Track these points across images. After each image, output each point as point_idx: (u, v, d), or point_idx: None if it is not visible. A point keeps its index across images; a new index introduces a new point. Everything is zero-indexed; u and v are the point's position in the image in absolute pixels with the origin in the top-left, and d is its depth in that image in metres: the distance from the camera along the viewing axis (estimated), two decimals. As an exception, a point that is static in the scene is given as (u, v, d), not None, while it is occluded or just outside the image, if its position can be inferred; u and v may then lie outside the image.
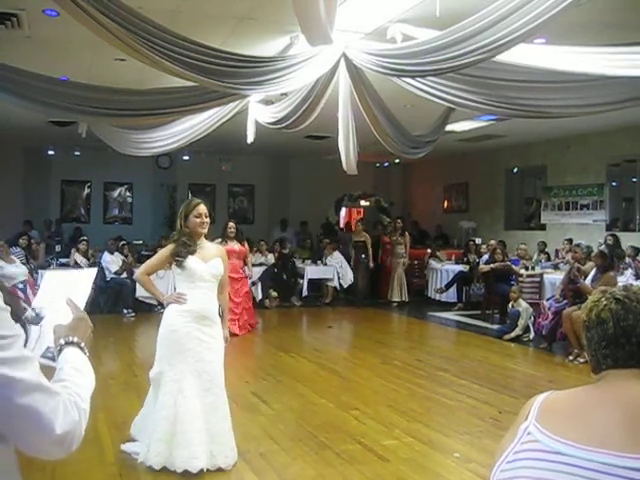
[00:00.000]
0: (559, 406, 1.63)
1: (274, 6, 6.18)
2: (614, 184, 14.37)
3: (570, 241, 13.32)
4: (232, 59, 5.56)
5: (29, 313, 2.05)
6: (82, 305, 1.95)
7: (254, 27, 6.84)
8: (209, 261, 4.99)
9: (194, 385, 4.81)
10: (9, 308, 1.43)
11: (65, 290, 2.01)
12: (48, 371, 1.59)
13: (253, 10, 6.36)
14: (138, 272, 5.25)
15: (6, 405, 1.32)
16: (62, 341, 1.76)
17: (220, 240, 9.98)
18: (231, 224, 10.84)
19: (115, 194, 18.35)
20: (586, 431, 1.51)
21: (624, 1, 5.96)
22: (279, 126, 8.03)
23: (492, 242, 13.59)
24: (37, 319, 2.00)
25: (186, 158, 17.56)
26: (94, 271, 2.15)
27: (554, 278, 10.88)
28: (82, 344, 1.78)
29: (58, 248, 14.64)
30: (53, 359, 1.76)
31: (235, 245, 10.81)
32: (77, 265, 12.92)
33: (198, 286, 4.94)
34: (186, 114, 7.51)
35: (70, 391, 1.50)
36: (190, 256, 4.91)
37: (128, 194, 18.40)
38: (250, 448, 5.33)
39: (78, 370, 1.66)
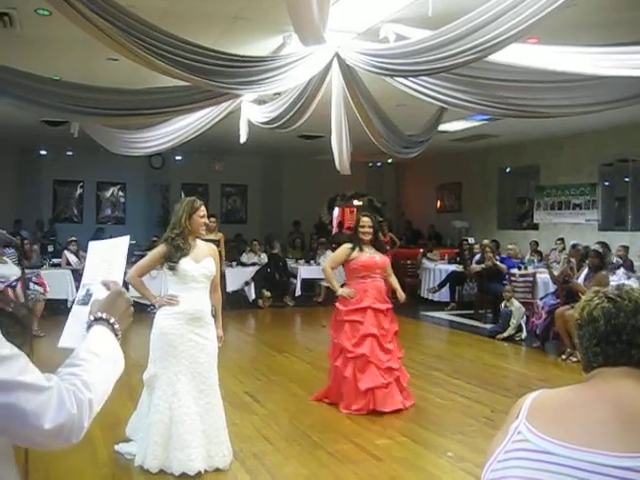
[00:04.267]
0: (549, 405, 1.63)
1: (267, 6, 6.17)
2: (606, 184, 14.42)
3: (562, 240, 13.37)
4: (225, 59, 5.55)
5: (80, 292, 1.94)
6: (120, 277, 1.85)
7: (247, 27, 6.83)
8: (201, 261, 4.97)
9: (188, 387, 4.80)
10: None
11: (106, 261, 1.91)
12: None
13: (246, 9, 6.36)
14: (129, 274, 5.13)
15: None
16: (92, 317, 1.66)
17: (351, 247, 6.69)
18: (365, 220, 6.75)
19: (108, 194, 18.33)
20: (575, 430, 1.51)
21: (615, 0, 5.98)
22: (272, 126, 8.02)
23: (485, 241, 13.62)
24: (87, 297, 1.88)
25: (179, 158, 17.55)
26: (127, 239, 2.04)
27: (547, 277, 10.91)
28: (114, 322, 1.67)
29: (51, 248, 14.58)
30: None
31: (376, 255, 6.72)
32: (69, 265, 12.89)
33: (190, 287, 4.92)
34: (179, 114, 7.50)
35: (72, 380, 1.44)
36: (182, 258, 4.90)
37: (121, 194, 18.39)
38: (243, 448, 5.32)
39: (96, 354, 1.57)
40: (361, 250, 6.62)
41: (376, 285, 6.67)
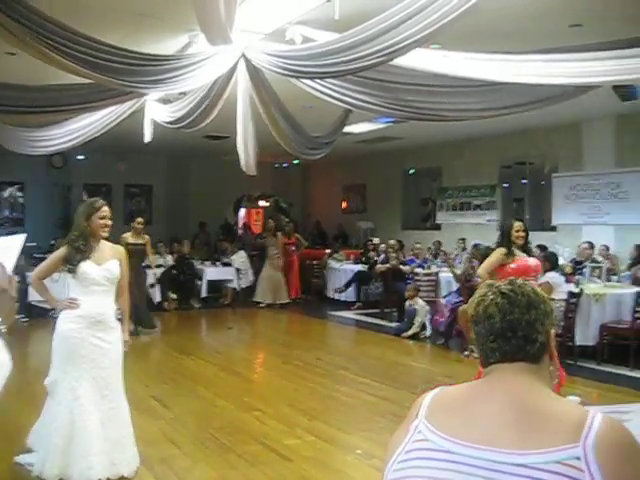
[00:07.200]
0: (447, 402, 1.65)
1: (173, 4, 6.09)
2: (505, 185, 14.94)
3: (464, 240, 13.76)
4: (130, 57, 5.44)
5: None
6: (9, 271, 1.77)
7: (153, 25, 6.71)
8: (103, 264, 4.85)
9: (90, 392, 4.68)
10: None
11: None
12: None
13: (152, 7, 6.25)
14: (32, 277, 5.04)
15: None
16: None
17: (506, 252, 6.49)
18: (520, 225, 6.64)
19: (5, 194, 17.61)
20: (473, 428, 1.53)
21: (513, 11, 6.20)
22: (177, 126, 7.93)
23: (391, 242, 13.86)
24: None
25: (81, 157, 17.06)
26: (23, 237, 1.98)
27: (450, 276, 11.20)
28: (1, 323, 1.58)
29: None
30: None
31: (529, 259, 6.58)
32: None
33: (92, 290, 4.80)
34: (82, 112, 7.30)
35: None
36: (83, 260, 4.78)
37: (19, 194, 17.70)
38: (151, 453, 5.23)
39: None
40: (513, 255, 6.48)
41: None
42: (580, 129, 12.59)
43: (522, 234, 6.53)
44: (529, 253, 6.65)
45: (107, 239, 4.99)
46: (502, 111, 6.32)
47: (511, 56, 5.17)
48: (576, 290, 8.87)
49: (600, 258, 10.85)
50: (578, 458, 1.41)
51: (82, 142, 8.43)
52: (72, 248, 4.78)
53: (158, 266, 14.00)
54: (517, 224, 6.62)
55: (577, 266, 10.46)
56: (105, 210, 4.91)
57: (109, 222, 4.93)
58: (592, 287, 9.33)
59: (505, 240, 6.58)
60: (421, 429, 1.60)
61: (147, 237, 11.34)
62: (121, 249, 5.22)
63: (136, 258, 10.58)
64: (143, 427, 5.62)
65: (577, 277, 9.83)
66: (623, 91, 6.69)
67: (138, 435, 5.01)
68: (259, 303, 14.59)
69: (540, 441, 1.45)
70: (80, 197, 15.09)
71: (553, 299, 8.35)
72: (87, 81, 5.82)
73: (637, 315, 8.57)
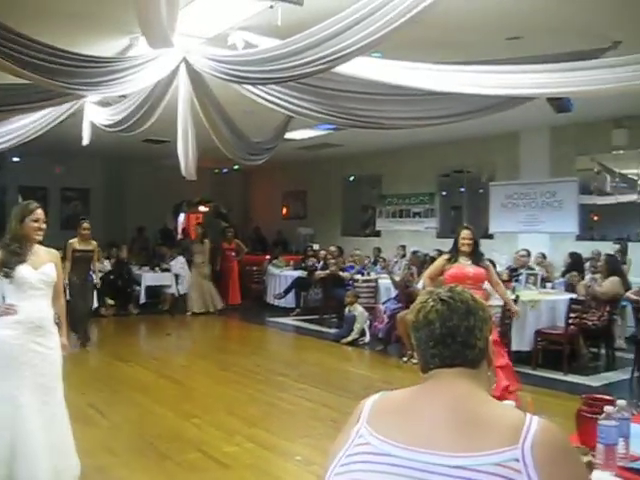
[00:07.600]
0: (388, 407, 1.66)
1: (114, 4, 6.00)
2: (444, 193, 15.19)
3: (403, 247, 13.91)
4: (69, 58, 5.33)
5: None
6: None
7: (93, 26, 6.61)
8: (40, 267, 4.75)
9: (32, 399, 4.56)
10: None
11: None
12: None
13: (92, 9, 6.14)
14: None
15: None
16: None
17: (448, 257, 6.83)
18: (466, 233, 6.78)
19: (-64, 197, 17.12)
20: (413, 431, 1.55)
21: (453, 23, 6.31)
22: (116, 129, 7.81)
23: (332, 248, 13.91)
24: None
25: (16, 159, 16.69)
26: None
27: (389, 283, 11.29)
28: None
29: None
30: None
31: (469, 266, 6.70)
32: None
33: (30, 295, 4.68)
34: (18, 113, 7.14)
35: None
36: (19, 264, 4.67)
37: (-49, 197, 17.24)
38: (87, 463, 5.09)
39: None
40: (456, 261, 6.71)
41: None
42: (518, 139, 12.90)
43: (468, 242, 6.70)
44: (478, 261, 6.78)
45: (41, 243, 4.88)
46: (440, 120, 6.43)
47: (448, 66, 5.27)
48: (512, 297, 9.04)
49: (535, 266, 11.10)
50: (517, 460, 1.44)
51: (18, 144, 8.24)
52: (7, 252, 4.67)
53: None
54: (464, 232, 6.80)
55: (513, 273, 10.67)
56: (38, 213, 4.79)
57: (43, 225, 4.81)
58: (528, 294, 9.53)
59: (453, 247, 6.83)
60: (362, 433, 1.62)
61: (94, 243, 10.67)
62: (55, 252, 5.09)
63: (83, 265, 10.34)
64: (79, 435, 5.48)
65: (513, 284, 10.03)
66: (558, 103, 6.87)
67: (74, 444, 4.91)
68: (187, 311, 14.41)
69: (479, 444, 1.48)
70: (16, 200, 14.72)
71: (490, 305, 8.51)
72: (24, 81, 5.69)
73: (570, 321, 8.79)
